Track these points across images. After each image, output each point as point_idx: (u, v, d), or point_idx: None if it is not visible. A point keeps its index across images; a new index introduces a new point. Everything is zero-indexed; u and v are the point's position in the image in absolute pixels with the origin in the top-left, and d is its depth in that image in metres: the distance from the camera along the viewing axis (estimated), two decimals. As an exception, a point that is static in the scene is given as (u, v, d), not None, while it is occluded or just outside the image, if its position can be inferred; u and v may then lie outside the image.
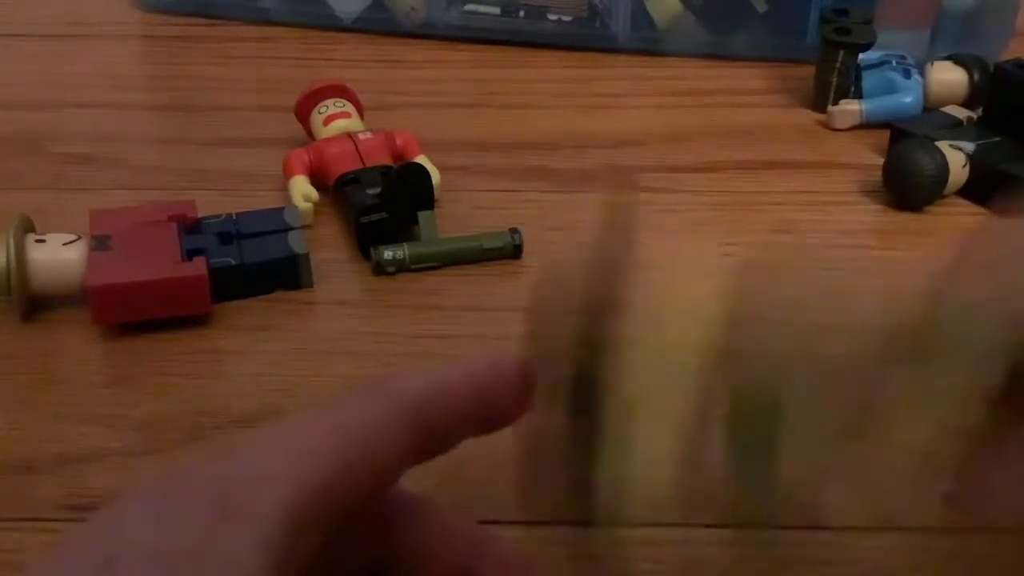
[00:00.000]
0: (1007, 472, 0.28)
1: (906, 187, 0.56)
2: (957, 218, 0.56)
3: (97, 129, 0.63)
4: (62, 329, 0.47)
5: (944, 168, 0.55)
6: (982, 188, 0.56)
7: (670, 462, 0.27)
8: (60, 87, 0.68)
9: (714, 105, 0.67)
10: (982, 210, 0.56)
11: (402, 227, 0.52)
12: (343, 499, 0.26)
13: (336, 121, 0.57)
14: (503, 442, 0.41)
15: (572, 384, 0.27)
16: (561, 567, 0.36)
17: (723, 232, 0.54)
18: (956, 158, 0.56)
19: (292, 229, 0.50)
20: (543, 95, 0.68)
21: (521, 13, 0.73)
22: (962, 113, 0.61)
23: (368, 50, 0.73)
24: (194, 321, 0.47)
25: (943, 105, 0.62)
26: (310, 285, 0.50)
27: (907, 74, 0.64)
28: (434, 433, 0.29)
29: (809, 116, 0.66)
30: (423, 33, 0.74)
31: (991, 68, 0.61)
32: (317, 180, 0.55)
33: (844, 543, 0.37)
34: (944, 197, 0.57)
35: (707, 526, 0.38)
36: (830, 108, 0.64)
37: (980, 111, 0.61)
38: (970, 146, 0.57)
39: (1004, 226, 0.29)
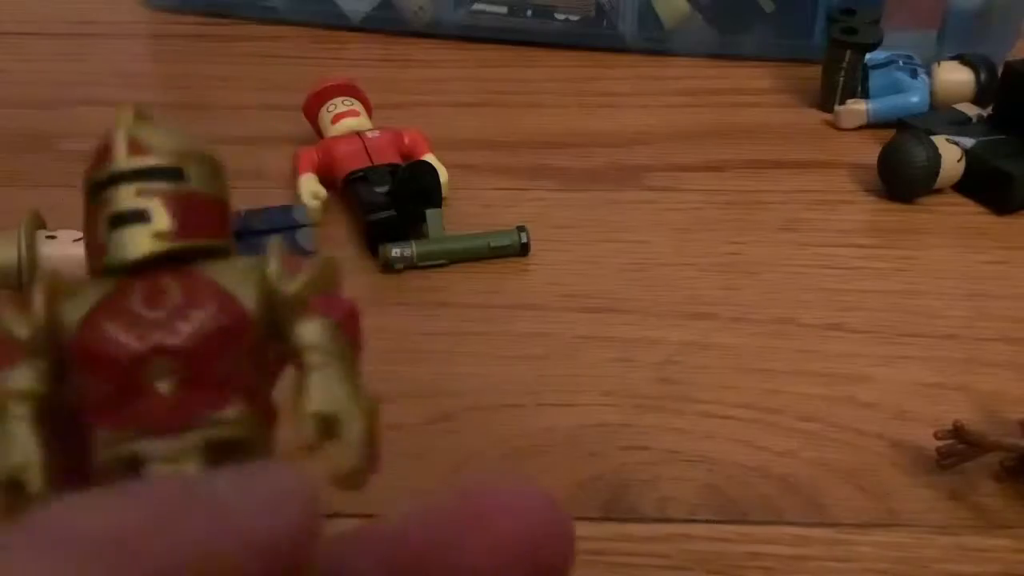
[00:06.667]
0: None
1: (896, 177, 0.56)
2: (961, 217, 0.56)
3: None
4: (72, 325, 0.47)
5: (936, 160, 0.55)
6: (978, 184, 0.57)
7: None
8: (70, 85, 0.68)
9: (721, 105, 0.67)
10: (981, 209, 0.57)
11: (410, 225, 0.52)
12: None
13: (344, 119, 0.58)
14: (508, 438, 0.42)
15: None
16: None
17: (729, 231, 0.55)
18: (951, 152, 0.56)
19: (301, 227, 0.50)
20: (550, 94, 0.68)
21: (528, 12, 0.73)
22: (972, 111, 0.61)
23: (376, 49, 0.74)
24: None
25: (950, 105, 0.62)
26: (318, 282, 0.50)
27: (914, 74, 0.64)
28: None
29: (816, 116, 0.66)
30: (431, 32, 0.74)
31: (998, 68, 0.61)
32: (325, 178, 0.55)
33: (844, 541, 0.38)
34: (940, 192, 0.57)
35: (712, 521, 0.38)
36: (837, 108, 0.65)
37: (991, 109, 0.61)
38: (969, 142, 0.57)
39: None
